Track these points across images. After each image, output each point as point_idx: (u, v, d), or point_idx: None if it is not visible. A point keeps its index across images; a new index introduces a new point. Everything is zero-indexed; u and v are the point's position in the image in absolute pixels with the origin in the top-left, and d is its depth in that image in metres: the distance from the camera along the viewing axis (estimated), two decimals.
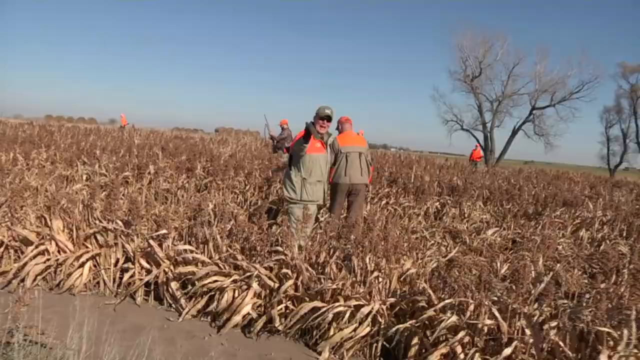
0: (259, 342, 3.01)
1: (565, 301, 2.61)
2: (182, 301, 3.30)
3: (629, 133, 28.84)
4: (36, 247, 3.49)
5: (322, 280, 3.04)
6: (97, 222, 3.61)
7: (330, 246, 3.35)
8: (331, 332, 2.91)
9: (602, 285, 2.41)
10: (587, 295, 2.64)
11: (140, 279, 3.40)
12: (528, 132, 27.36)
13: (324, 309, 2.84)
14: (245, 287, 3.13)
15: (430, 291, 2.78)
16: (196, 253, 3.39)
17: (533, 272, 2.73)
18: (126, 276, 3.44)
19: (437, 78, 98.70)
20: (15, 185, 4.53)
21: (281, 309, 3.08)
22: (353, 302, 2.86)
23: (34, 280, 3.42)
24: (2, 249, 3.61)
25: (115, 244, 3.53)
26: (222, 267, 3.29)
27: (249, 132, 31.04)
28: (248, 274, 3.13)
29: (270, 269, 3.20)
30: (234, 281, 3.16)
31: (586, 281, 3.14)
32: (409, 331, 2.75)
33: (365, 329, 2.83)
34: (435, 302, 2.69)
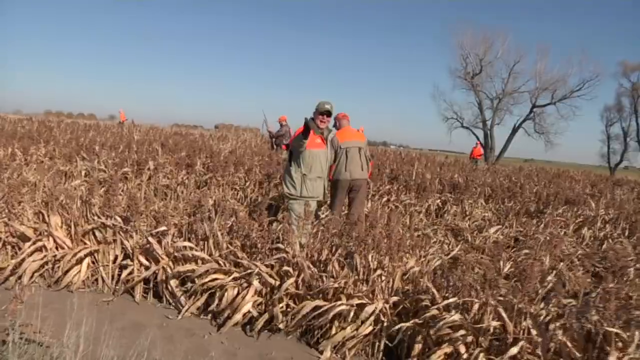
0: (260, 341, 2.97)
1: (572, 301, 2.57)
2: (182, 299, 3.25)
3: (629, 131, 28.74)
4: (34, 243, 3.44)
5: (324, 278, 3.00)
6: (95, 218, 3.56)
7: (332, 243, 3.31)
8: (333, 331, 2.87)
9: (611, 285, 2.36)
10: (594, 295, 2.59)
11: (139, 276, 3.36)
12: (528, 130, 27.30)
13: (326, 308, 2.79)
14: (245, 284, 3.09)
15: (434, 290, 2.73)
16: (196, 250, 3.34)
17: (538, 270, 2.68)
18: (125, 273, 3.40)
19: (438, 75, 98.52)
20: (13, 180, 4.47)
21: (282, 307, 3.03)
22: (356, 301, 2.81)
23: (32, 277, 3.38)
24: None
25: (114, 240, 3.48)
26: (222, 264, 3.24)
27: (248, 128, 30.90)
28: (249, 271, 3.08)
29: (272, 267, 3.16)
30: (235, 279, 3.11)
31: (589, 280, 3.09)
32: (412, 330, 2.71)
33: (367, 328, 2.79)
34: (439, 301, 2.64)
